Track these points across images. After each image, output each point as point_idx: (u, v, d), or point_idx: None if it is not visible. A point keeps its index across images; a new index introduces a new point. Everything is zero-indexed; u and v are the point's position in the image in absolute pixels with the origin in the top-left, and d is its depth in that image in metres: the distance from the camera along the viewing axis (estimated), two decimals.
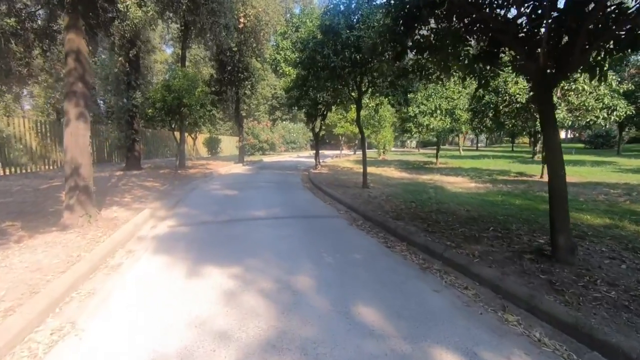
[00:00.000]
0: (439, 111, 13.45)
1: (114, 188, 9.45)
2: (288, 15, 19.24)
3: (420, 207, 6.53)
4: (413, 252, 4.36)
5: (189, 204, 7.63)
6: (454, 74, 5.28)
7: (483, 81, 4.72)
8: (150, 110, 12.26)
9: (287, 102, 13.52)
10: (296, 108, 13.81)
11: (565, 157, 13.10)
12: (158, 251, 4.36)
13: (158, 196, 8.58)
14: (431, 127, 13.38)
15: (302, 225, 5.68)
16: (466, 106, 13.40)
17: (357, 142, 31.23)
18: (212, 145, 24.45)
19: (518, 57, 3.93)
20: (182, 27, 13.97)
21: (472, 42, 4.67)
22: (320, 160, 14.89)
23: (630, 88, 10.61)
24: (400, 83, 7.81)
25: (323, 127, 14.38)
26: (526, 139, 43.95)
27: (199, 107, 13.09)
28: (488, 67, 4.48)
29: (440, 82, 5.93)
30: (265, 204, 7.43)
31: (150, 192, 9.10)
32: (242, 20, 12.81)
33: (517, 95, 9.24)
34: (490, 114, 10.33)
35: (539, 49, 3.64)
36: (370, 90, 8.71)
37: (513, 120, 10.21)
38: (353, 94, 9.08)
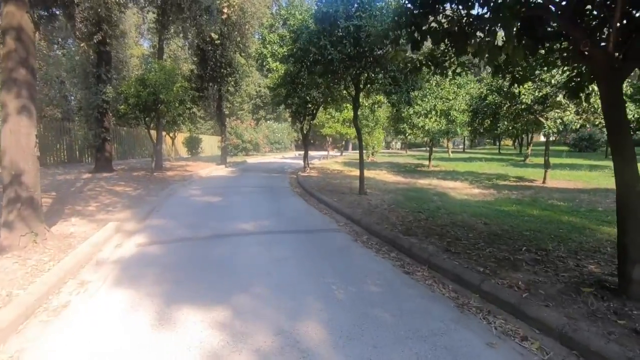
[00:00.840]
0: (434, 112, 12.85)
1: (77, 194, 8.31)
2: (275, 8, 18.26)
3: (431, 218, 5.78)
4: (439, 281, 3.57)
5: (164, 213, 6.63)
6: (476, 66, 4.56)
7: (519, 75, 3.99)
8: (122, 107, 11.11)
9: (274, 100, 12.61)
10: (283, 107, 12.90)
11: (557, 160, 12.65)
12: (120, 283, 3.41)
13: (129, 204, 7.54)
14: (426, 128, 12.75)
15: (299, 242, 4.83)
16: (462, 107, 12.86)
17: (343, 143, 30.55)
18: (193, 145, 23.19)
19: (573, 43, 3.20)
20: (159, 14, 12.81)
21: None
22: (309, 162, 14.05)
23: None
24: (406, 79, 7.07)
25: (314, 127, 13.54)
26: (509, 142, 44.44)
27: (177, 104, 12.02)
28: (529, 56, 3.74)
29: (455, 77, 5.20)
30: (254, 214, 6.52)
31: (120, 199, 8.02)
32: (225, 10, 11.81)
33: (523, 96, 8.68)
34: (490, 115, 9.75)
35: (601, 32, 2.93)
36: (368, 87, 7.93)
37: (513, 123, 9.66)
38: (349, 91, 8.28)
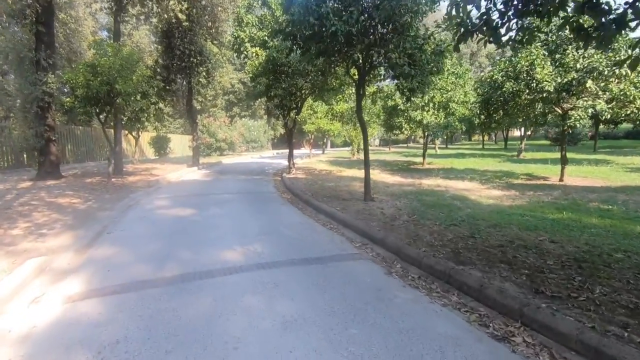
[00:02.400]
0: (431, 104, 11.65)
1: (4, 209, 6.41)
2: None
3: (478, 235, 4.45)
4: None
5: (117, 237, 4.93)
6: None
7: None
8: (68, 100, 9.11)
9: (254, 92, 10.96)
10: (264, 100, 11.28)
11: (550, 154, 11.78)
12: None
13: (72, 222, 5.78)
14: (424, 122, 11.54)
15: (311, 282, 3.33)
16: (462, 99, 11.74)
17: (325, 140, 29.11)
18: (160, 145, 20.97)
19: None
20: None
21: None
22: (294, 162, 12.50)
23: None
24: (426, 60, 5.70)
25: (300, 122, 11.97)
26: (480, 137, 44.67)
27: (139, 97, 10.12)
28: None
29: (516, 48, 3.91)
30: (239, 234, 4.95)
31: (62, 216, 6.22)
32: None
33: (545, 83, 7.56)
34: (502, 105, 8.61)
35: None
36: (378, 69, 6.51)
37: (529, 113, 8.58)
38: (351, 75, 6.83)
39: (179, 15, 10.84)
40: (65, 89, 9.26)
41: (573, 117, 7.92)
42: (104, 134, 10.13)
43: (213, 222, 5.69)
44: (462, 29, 3.54)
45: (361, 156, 21.24)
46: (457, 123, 12.12)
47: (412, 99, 10.90)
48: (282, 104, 11.00)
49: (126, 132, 16.38)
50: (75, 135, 17.03)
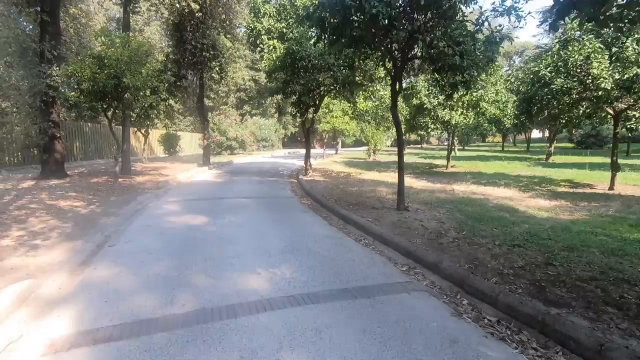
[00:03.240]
0: (460, 103, 10.79)
1: (0, 213, 5.78)
2: None
3: (558, 263, 3.63)
4: None
5: (120, 251, 4.23)
6: None
7: None
8: (73, 94, 8.49)
9: (270, 88, 10.22)
10: (281, 96, 10.55)
11: (583, 159, 10.79)
12: None
13: (71, 231, 5.12)
14: (453, 122, 10.69)
15: (361, 328, 2.57)
16: (493, 98, 10.85)
17: (339, 140, 28.30)
18: (170, 143, 20.41)
19: None
20: None
21: None
22: (310, 164, 11.74)
23: None
24: (475, 49, 4.89)
25: (316, 121, 11.18)
26: (498, 138, 43.27)
27: (148, 93, 9.47)
28: None
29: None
30: (261, 252, 4.21)
31: (61, 222, 5.57)
32: None
33: (602, 80, 6.68)
34: (547, 104, 7.74)
35: None
36: (420, 61, 5.70)
37: (576, 112, 7.70)
38: (387, 67, 6.04)
39: (192, 4, 10.15)
40: (71, 83, 8.60)
41: (634, 119, 7.02)
42: (111, 131, 9.51)
43: (229, 234, 4.96)
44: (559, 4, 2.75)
45: (378, 157, 20.43)
46: (486, 124, 11.22)
47: (445, 96, 10.08)
48: (300, 101, 10.25)
49: (135, 129, 15.83)
50: (83, 132, 16.55)
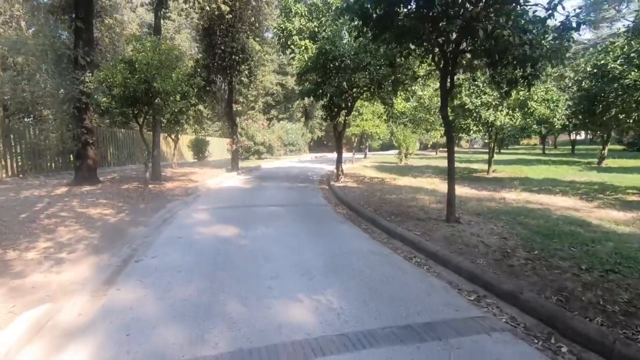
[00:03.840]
0: (505, 103, 9.92)
1: (29, 222, 5.62)
2: None
3: None
4: None
5: (146, 269, 3.85)
6: None
7: None
8: (104, 100, 8.41)
9: (302, 91, 9.80)
10: (312, 98, 10.10)
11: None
12: None
13: (98, 242, 4.85)
14: (498, 124, 9.82)
15: None
16: (543, 96, 9.90)
17: (368, 144, 27.58)
18: (199, 148, 20.51)
19: None
20: None
21: None
22: (342, 169, 11.19)
23: None
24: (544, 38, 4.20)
25: (348, 124, 10.61)
26: (534, 140, 40.83)
27: (178, 98, 9.29)
28: None
29: None
30: (300, 272, 3.70)
31: (89, 231, 5.34)
32: None
33: None
34: (612, 101, 6.80)
35: None
36: (475, 55, 5.05)
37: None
38: (437, 62, 5.42)
39: (222, 6, 9.94)
40: (103, 89, 8.53)
41: None
42: (142, 137, 9.39)
43: (263, 249, 4.49)
44: None
45: (410, 162, 19.59)
46: (535, 125, 10.25)
47: (482, 97, 9.28)
48: (332, 103, 9.76)
49: (165, 135, 15.92)
50: (117, 138, 16.85)
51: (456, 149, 38.48)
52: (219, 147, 25.68)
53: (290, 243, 4.75)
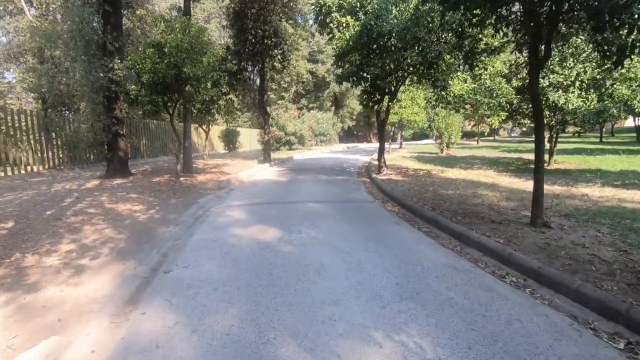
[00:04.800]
0: (577, 83, 8.53)
1: (55, 220, 5.16)
2: None
3: None
4: None
5: (176, 284, 3.18)
6: None
7: None
8: (133, 87, 7.90)
9: (344, 72, 8.87)
10: (352, 83, 9.16)
11: None
12: None
13: (124, 245, 4.29)
14: (569, 108, 8.47)
15: None
16: (625, 74, 8.42)
17: (402, 133, 26.22)
18: (230, 139, 20.12)
19: None
20: None
21: None
22: (385, 161, 10.21)
23: None
24: None
25: (392, 111, 9.54)
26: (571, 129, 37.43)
27: (209, 85, 8.68)
28: None
29: None
30: (367, 297, 2.88)
31: (116, 232, 4.80)
32: None
33: None
34: None
35: None
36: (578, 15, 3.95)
37: None
38: (526, 28, 4.37)
39: None
40: (132, 76, 8.03)
41: None
42: (173, 127, 8.88)
43: (312, 258, 3.72)
44: None
45: (452, 152, 18.21)
46: (615, 108, 8.77)
47: (549, 77, 7.99)
48: (375, 87, 8.78)
49: (196, 125, 15.55)
50: (149, 129, 16.67)
51: (496, 138, 36.03)
52: (249, 137, 25.29)
53: (344, 251, 3.94)
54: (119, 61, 8.21)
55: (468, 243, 4.20)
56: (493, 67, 7.46)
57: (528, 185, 7.84)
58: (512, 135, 55.32)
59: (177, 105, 8.75)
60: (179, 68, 7.55)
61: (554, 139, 10.35)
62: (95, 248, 4.21)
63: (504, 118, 8.18)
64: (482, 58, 5.42)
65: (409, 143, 34.81)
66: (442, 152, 17.30)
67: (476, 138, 27.79)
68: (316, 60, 33.07)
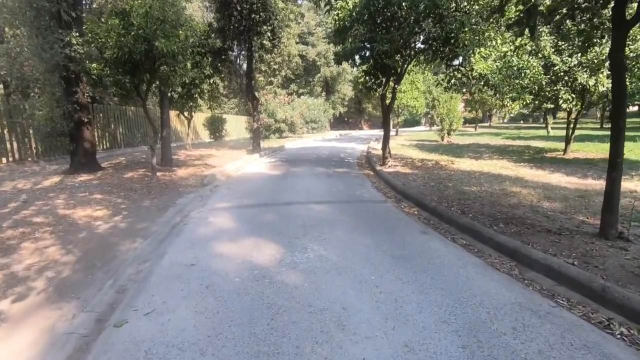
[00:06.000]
0: (607, 63, 7.55)
1: None
2: None
3: None
4: None
5: (130, 351, 2.05)
6: None
7: None
8: (94, 65, 6.58)
9: (347, 50, 7.67)
10: (355, 60, 8.00)
11: None
12: None
13: (70, 274, 3.20)
14: (600, 90, 7.51)
15: None
16: None
17: (399, 120, 25.12)
18: (216, 127, 18.70)
19: None
20: None
21: None
22: (390, 150, 9.14)
23: None
24: None
25: (397, 95, 8.40)
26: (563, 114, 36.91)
27: (189, 66, 7.41)
28: None
29: None
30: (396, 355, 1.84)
31: (67, 248, 3.69)
32: None
33: None
34: None
35: None
36: None
37: None
38: None
39: None
40: (93, 52, 6.71)
41: None
42: (146, 114, 7.60)
43: (331, 298, 2.65)
44: None
45: (453, 139, 17.26)
46: None
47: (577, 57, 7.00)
48: (382, 67, 7.63)
49: (177, 112, 14.19)
50: (127, 117, 15.15)
51: (491, 124, 34.97)
52: (236, 125, 23.84)
53: (370, 282, 2.89)
54: (77, 34, 6.85)
55: (528, 264, 3.20)
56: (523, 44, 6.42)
57: (557, 178, 6.90)
58: (504, 121, 55.01)
59: (151, 89, 7.46)
60: (149, 42, 6.26)
61: (571, 125, 9.42)
62: (27, 280, 3.07)
63: (527, 102, 7.28)
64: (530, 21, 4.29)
65: (403, 130, 33.83)
66: (442, 140, 16.35)
67: (474, 125, 26.91)
68: (306, 43, 31.49)
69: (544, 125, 22.38)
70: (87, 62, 6.74)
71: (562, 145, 12.40)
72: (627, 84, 6.18)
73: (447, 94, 15.98)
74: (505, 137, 18.58)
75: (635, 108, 36.31)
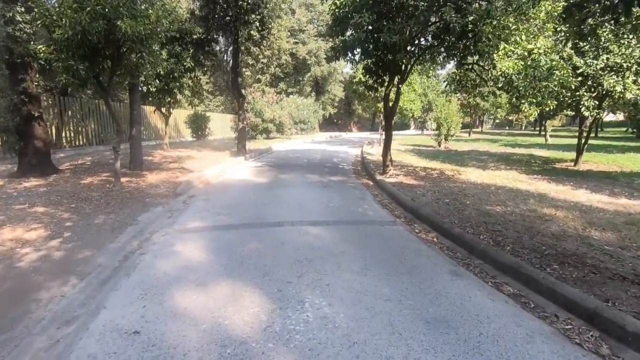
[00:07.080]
0: (636, 66, 6.80)
1: None
2: None
3: None
4: None
5: None
6: None
7: None
8: (41, 48, 5.38)
9: (347, 41, 6.65)
10: (355, 55, 7.04)
11: None
12: None
13: None
14: (627, 97, 6.75)
15: None
16: None
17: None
18: (199, 125, 17.44)
19: None
20: None
21: None
22: (391, 157, 8.18)
23: None
24: None
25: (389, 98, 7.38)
26: (556, 122, 36.83)
27: (164, 55, 6.30)
28: None
29: None
30: None
31: None
32: None
33: None
34: None
35: None
36: None
37: None
38: None
39: None
40: (40, 31, 5.53)
41: None
42: (108, 109, 6.41)
43: None
44: None
45: (450, 145, 16.48)
46: None
47: (603, 58, 6.20)
48: (388, 63, 6.66)
49: (154, 108, 12.94)
50: (100, 111, 13.74)
51: (482, 129, 34.73)
52: (221, 124, 22.55)
53: None
54: (23, 10, 5.63)
55: (619, 336, 2.26)
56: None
57: (585, 196, 6.07)
58: (489, 127, 55.43)
59: (115, 78, 6.29)
60: (110, 21, 5.11)
61: (589, 134, 8.69)
62: None
63: (553, 107, 6.50)
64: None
65: (395, 134, 33.12)
66: (439, 146, 15.56)
67: (467, 130, 26.29)
68: (297, 40, 30.38)
69: (537, 132, 21.94)
70: (32, 43, 5.53)
71: (566, 154, 11.75)
72: None
73: (443, 97, 15.23)
74: (503, 144, 17.91)
75: (610, 117, 36.34)
